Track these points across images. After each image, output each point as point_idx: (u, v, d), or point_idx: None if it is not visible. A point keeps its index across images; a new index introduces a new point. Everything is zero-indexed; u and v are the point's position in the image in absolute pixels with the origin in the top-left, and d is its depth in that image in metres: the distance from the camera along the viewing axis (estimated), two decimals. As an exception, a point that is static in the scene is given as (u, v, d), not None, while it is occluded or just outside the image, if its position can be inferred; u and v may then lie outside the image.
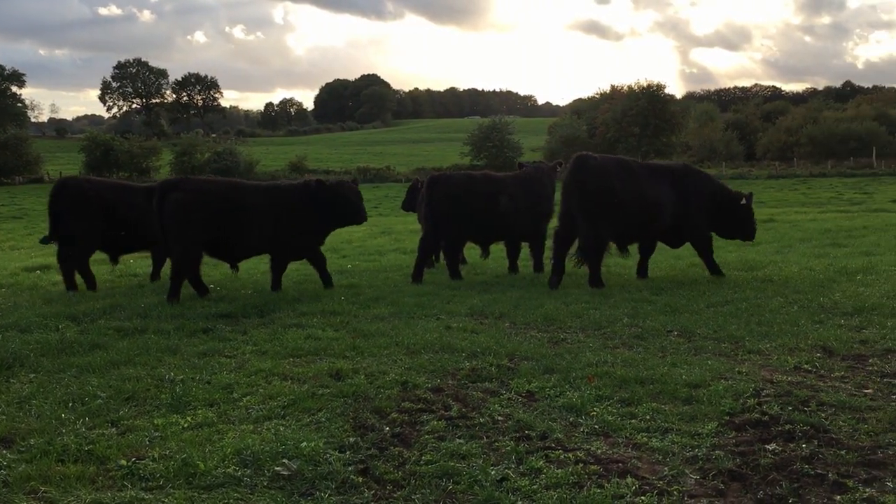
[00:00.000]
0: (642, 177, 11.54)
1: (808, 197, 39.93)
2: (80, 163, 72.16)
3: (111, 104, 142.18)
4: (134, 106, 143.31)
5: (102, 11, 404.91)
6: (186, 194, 10.50)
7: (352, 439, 4.93)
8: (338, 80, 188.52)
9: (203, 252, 10.79)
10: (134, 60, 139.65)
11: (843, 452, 4.58)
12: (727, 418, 5.22)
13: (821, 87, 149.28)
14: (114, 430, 5.23)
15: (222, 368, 6.72)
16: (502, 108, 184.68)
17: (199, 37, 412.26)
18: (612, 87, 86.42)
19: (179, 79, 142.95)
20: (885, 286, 9.95)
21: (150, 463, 4.58)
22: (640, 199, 11.32)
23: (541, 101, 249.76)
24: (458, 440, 4.91)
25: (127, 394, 5.98)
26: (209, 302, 10.08)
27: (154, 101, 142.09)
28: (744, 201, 11.86)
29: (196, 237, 10.53)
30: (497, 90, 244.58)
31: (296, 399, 5.74)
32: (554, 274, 11.33)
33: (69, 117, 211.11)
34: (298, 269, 12.56)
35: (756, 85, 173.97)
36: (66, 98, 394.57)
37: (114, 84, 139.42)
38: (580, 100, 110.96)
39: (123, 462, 4.60)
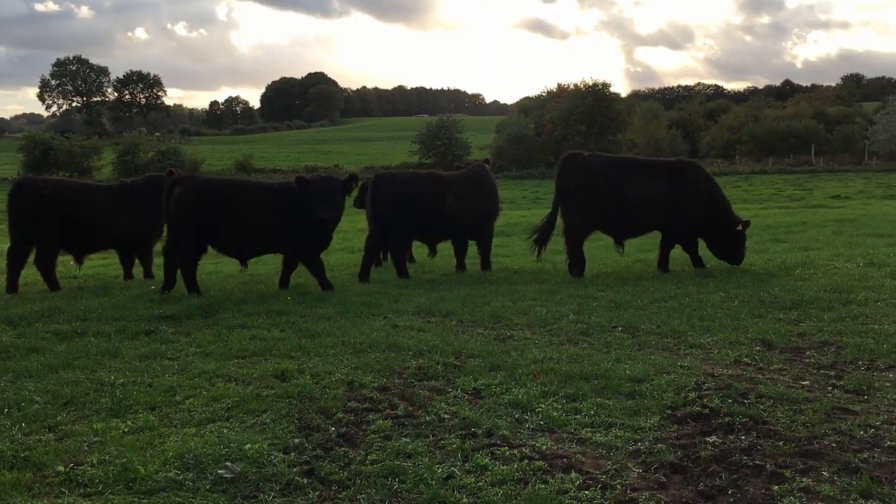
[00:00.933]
0: (633, 173, 12.08)
1: (750, 194, 40.79)
2: (19, 163, 70.21)
3: (50, 103, 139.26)
4: (74, 104, 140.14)
5: (39, 7, 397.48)
6: (188, 191, 10.70)
7: (297, 440, 4.88)
8: (284, 78, 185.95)
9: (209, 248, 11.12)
10: (74, 58, 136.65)
11: (780, 443, 4.67)
12: (669, 412, 5.30)
13: (761, 86, 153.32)
14: (51, 435, 5.10)
15: (165, 371, 6.60)
16: (450, 107, 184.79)
17: (141, 34, 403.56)
18: (559, 85, 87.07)
19: (121, 76, 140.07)
20: (822, 280, 10.20)
21: (89, 468, 4.47)
22: (628, 194, 11.81)
23: (488, 100, 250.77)
24: (403, 439, 4.89)
25: (65, 398, 5.84)
26: (152, 303, 9.90)
27: (95, 99, 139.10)
28: (740, 227, 12.05)
29: (197, 233, 10.75)
30: (445, 88, 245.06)
31: (240, 401, 5.66)
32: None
33: (6, 116, 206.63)
34: (246, 270, 12.37)
35: (699, 84, 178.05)
36: (3, 97, 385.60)
37: (53, 82, 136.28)
38: (527, 98, 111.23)
39: (61, 468, 4.48)
